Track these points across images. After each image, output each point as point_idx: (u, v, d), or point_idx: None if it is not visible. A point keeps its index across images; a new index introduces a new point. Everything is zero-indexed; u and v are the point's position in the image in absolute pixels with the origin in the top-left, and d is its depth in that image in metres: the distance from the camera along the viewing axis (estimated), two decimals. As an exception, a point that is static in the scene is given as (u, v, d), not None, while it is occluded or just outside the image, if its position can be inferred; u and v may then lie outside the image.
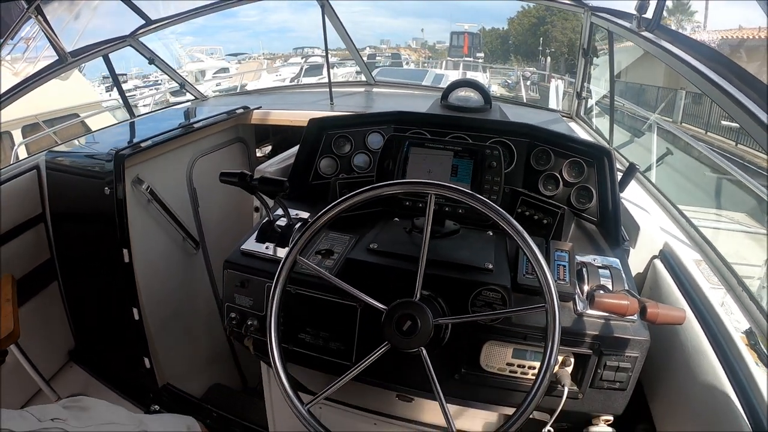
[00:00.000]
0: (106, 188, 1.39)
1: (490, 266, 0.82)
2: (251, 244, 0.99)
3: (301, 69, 10.94)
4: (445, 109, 1.32)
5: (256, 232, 0.98)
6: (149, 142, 1.56)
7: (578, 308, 0.83)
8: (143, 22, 2.15)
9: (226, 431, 1.61)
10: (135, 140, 1.60)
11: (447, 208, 0.91)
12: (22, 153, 4.06)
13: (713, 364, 0.78)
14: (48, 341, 1.71)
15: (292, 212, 1.02)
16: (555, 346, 0.63)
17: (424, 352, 0.69)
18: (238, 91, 3.67)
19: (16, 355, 1.52)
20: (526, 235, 0.68)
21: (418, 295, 0.71)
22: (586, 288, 0.84)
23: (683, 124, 8.66)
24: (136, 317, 1.48)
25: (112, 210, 1.39)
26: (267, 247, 0.97)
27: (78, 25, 2.20)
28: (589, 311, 0.82)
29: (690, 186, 4.82)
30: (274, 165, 1.36)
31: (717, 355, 0.79)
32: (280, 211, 1.01)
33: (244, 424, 1.62)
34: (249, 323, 0.93)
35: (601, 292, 0.78)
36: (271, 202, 0.99)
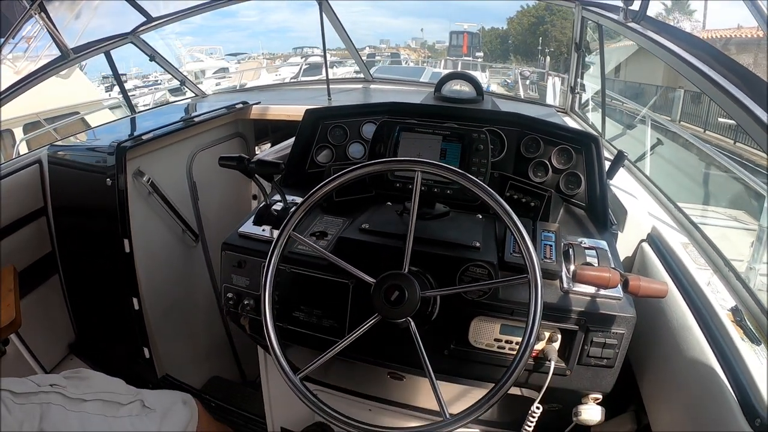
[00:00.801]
0: (108, 179, 1.41)
1: (478, 244, 0.85)
2: (248, 227, 1.02)
3: (300, 68, 10.95)
4: (438, 100, 1.35)
5: (254, 216, 1.01)
6: (150, 135, 1.58)
7: (564, 286, 0.85)
8: (144, 20, 2.18)
9: (225, 421, 1.63)
10: (136, 134, 1.62)
11: (436, 189, 0.93)
12: (23, 150, 4.09)
13: (700, 342, 0.79)
14: (49, 334, 1.72)
15: (288, 198, 1.05)
16: (537, 316, 0.65)
17: (413, 324, 0.71)
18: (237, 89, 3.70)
19: (18, 347, 1.54)
20: (506, 205, 0.70)
21: (406, 269, 0.73)
22: (572, 267, 0.86)
23: (682, 122, 8.68)
24: (136, 307, 1.49)
25: (114, 202, 1.41)
26: (264, 230, 1.00)
27: (78, 24, 2.22)
28: (576, 289, 0.83)
29: (680, 175, 4.86)
30: (271, 154, 1.39)
31: (703, 332, 0.80)
32: (277, 197, 1.04)
33: (242, 413, 1.64)
34: (245, 303, 0.95)
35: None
36: (268, 188, 1.02)
